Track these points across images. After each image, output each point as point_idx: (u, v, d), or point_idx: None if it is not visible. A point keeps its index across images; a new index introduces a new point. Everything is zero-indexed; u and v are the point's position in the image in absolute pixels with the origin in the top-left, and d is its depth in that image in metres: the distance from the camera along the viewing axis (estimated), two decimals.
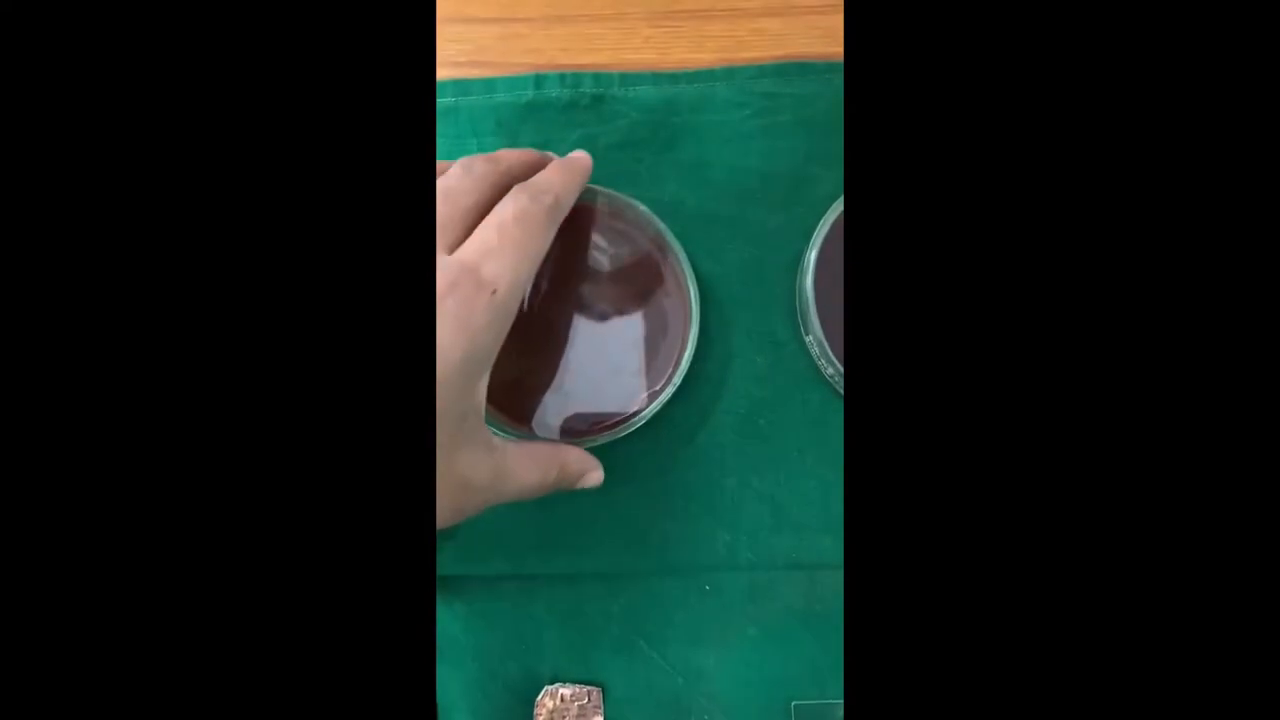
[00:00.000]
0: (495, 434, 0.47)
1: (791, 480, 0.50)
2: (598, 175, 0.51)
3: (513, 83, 0.53)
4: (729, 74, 0.53)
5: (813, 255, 0.49)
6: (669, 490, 0.50)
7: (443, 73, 0.54)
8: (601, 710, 0.49)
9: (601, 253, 0.51)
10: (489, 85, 0.53)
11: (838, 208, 0.50)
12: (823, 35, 0.53)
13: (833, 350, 0.48)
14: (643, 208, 0.50)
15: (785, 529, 0.49)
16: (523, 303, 0.49)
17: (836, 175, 0.52)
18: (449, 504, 0.38)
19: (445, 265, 0.37)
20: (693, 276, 0.49)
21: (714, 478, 0.50)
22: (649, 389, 0.49)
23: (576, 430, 0.49)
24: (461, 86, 0.53)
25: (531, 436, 0.49)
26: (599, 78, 0.53)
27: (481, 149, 0.52)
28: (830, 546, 0.48)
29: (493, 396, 0.48)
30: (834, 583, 0.49)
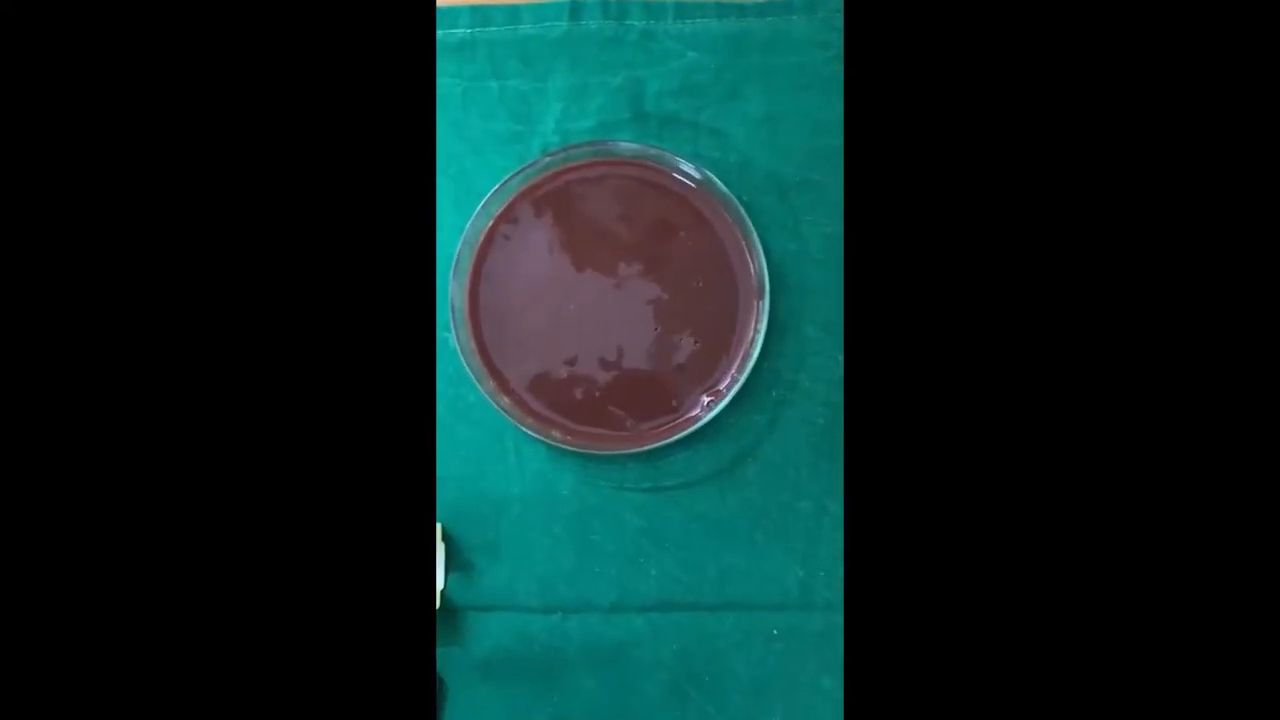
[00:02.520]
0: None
1: None
2: (646, 128, 0.44)
3: (542, 11, 0.44)
4: (809, 5, 0.44)
5: None
6: (731, 513, 0.43)
7: None
8: None
9: (651, 226, 0.43)
10: (513, 14, 0.45)
11: None
12: None
13: None
14: (702, 170, 0.42)
15: None
16: (560, 287, 0.42)
17: None
18: None
19: None
20: (762, 255, 0.42)
21: (785, 500, 0.43)
22: (707, 388, 0.42)
23: (623, 436, 0.42)
24: (480, 14, 0.45)
25: (571, 443, 0.42)
26: (649, 7, 0.44)
27: (503, 93, 0.44)
28: None
29: (528, 395, 0.42)
30: None
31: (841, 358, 0.43)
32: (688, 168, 0.42)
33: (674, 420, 0.42)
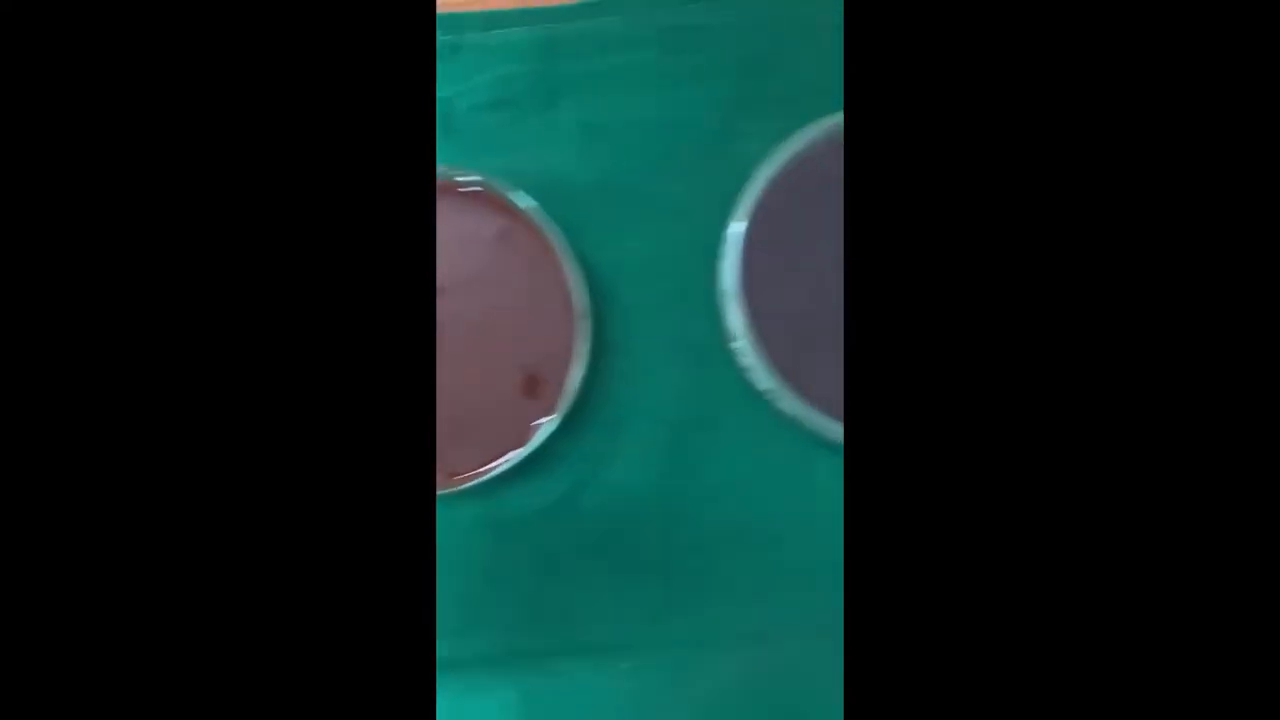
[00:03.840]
0: None
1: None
2: (459, 146, 0.42)
3: None
4: (619, 3, 0.42)
5: (738, 233, 0.39)
6: (570, 549, 0.40)
7: None
8: None
9: (465, 247, 0.40)
10: None
11: (770, 170, 0.40)
12: None
13: (768, 356, 0.38)
14: (512, 188, 0.40)
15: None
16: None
17: (768, 129, 0.40)
18: None
19: None
20: (580, 270, 0.39)
21: (629, 530, 0.40)
22: (535, 415, 0.39)
23: (444, 474, 0.39)
24: None
25: None
26: (454, 19, 0.42)
27: None
28: (800, 606, 0.38)
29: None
30: (804, 653, 0.38)
31: (675, 372, 0.40)
32: (502, 185, 0.40)
33: (502, 452, 0.39)
